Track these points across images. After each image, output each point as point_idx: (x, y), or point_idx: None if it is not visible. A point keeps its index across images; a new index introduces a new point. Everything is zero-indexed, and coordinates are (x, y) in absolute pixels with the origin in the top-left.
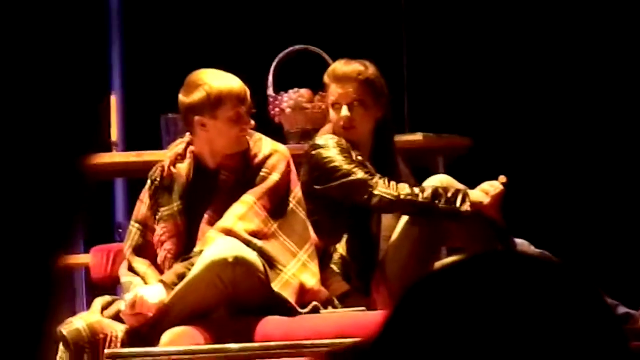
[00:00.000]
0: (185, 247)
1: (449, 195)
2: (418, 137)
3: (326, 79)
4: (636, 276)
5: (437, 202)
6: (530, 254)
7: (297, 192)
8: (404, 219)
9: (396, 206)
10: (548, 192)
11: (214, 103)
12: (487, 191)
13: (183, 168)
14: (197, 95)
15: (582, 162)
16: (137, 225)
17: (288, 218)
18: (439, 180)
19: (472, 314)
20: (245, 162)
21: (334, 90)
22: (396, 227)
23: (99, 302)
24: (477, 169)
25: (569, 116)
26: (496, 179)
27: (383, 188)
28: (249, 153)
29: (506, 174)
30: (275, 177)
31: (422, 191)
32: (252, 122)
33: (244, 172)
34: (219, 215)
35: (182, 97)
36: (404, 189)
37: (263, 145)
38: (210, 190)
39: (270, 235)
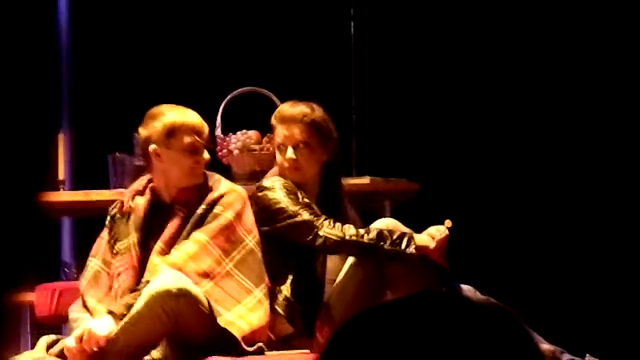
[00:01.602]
0: (139, 280)
1: (394, 237)
2: (365, 180)
3: (273, 120)
4: (583, 324)
5: (382, 243)
6: (465, 297)
7: (256, 232)
8: (349, 261)
9: (341, 247)
10: (495, 237)
11: (168, 132)
12: (432, 235)
13: (140, 203)
14: (154, 126)
15: (530, 209)
16: (94, 260)
17: (246, 257)
18: (384, 223)
19: (399, 354)
20: (199, 197)
21: (280, 132)
22: (341, 270)
23: (44, 340)
24: (423, 213)
25: (514, 163)
26: (443, 223)
27: (328, 229)
28: (204, 189)
29: (453, 219)
30: (229, 215)
31: (367, 232)
32: (208, 156)
33: (197, 207)
34: (168, 247)
35: (140, 130)
36: (349, 230)
37: (221, 185)
38: (164, 223)
39: (225, 274)
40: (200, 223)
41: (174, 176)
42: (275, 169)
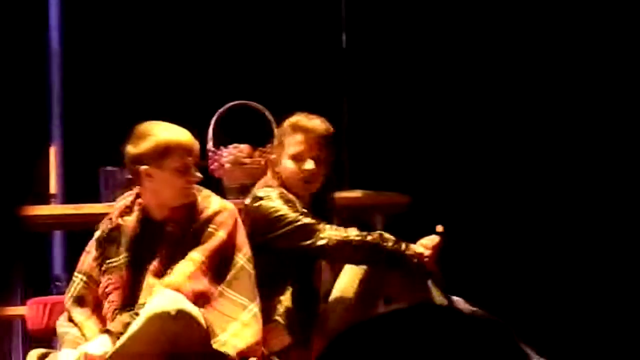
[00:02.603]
0: (129, 299)
1: (394, 239)
2: (357, 193)
3: (287, 129)
4: (574, 336)
5: (384, 243)
6: (458, 310)
7: (247, 250)
8: (345, 272)
9: (344, 247)
10: (486, 250)
11: (161, 153)
12: (425, 245)
13: (130, 220)
14: (144, 145)
15: (521, 221)
16: (80, 275)
17: (237, 275)
18: (371, 233)
19: None
20: (191, 215)
21: (298, 142)
22: (330, 282)
23: (34, 354)
24: (415, 227)
25: (505, 177)
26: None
27: (330, 231)
28: (196, 207)
29: (444, 232)
30: (222, 235)
31: (369, 234)
32: (199, 175)
33: (190, 225)
34: (163, 266)
35: (129, 148)
36: (352, 231)
37: (212, 202)
38: (156, 242)
39: (218, 295)
40: (193, 241)
41: (165, 196)
42: (263, 180)
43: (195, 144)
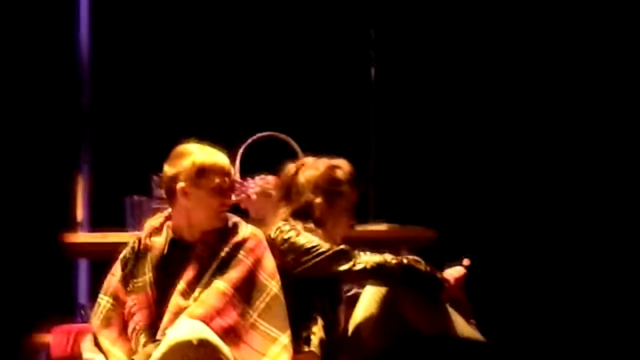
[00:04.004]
0: (154, 319)
1: (425, 263)
2: (382, 227)
3: (344, 185)
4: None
5: (419, 266)
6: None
7: (278, 278)
8: (363, 301)
9: (382, 270)
10: (511, 284)
11: (198, 172)
12: (451, 274)
13: (158, 241)
14: (182, 164)
15: (546, 257)
16: (106, 298)
17: (270, 304)
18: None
19: None
20: (221, 239)
21: (352, 195)
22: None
23: None
24: (439, 260)
25: (530, 210)
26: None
27: (366, 256)
28: (226, 232)
29: (470, 265)
30: (251, 262)
31: (405, 257)
32: (233, 198)
33: (219, 247)
34: (190, 288)
35: (166, 167)
36: (388, 255)
37: (242, 228)
38: (183, 263)
39: (249, 327)
40: (223, 267)
41: (198, 216)
42: (283, 214)
43: (232, 168)
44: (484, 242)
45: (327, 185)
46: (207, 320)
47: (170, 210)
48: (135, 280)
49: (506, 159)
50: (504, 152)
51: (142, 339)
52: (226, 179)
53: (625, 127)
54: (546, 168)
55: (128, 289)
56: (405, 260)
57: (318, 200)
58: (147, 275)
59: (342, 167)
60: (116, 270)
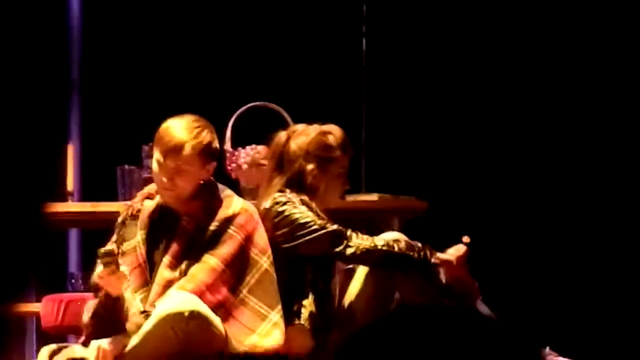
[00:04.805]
0: (147, 279)
1: (420, 248)
2: (374, 197)
3: (338, 149)
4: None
5: (412, 253)
6: (479, 313)
7: (270, 253)
8: (358, 276)
9: (372, 255)
10: (504, 255)
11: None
12: (452, 254)
13: (149, 205)
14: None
15: (539, 227)
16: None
17: (261, 279)
18: (393, 236)
19: None
20: (210, 213)
21: (344, 160)
22: (345, 284)
23: (45, 350)
24: (431, 231)
25: (521, 183)
26: (451, 241)
27: (358, 239)
28: (215, 204)
29: (460, 237)
30: (242, 237)
31: (396, 242)
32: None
33: (208, 223)
34: (177, 260)
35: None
36: (379, 240)
37: (233, 202)
38: (171, 233)
39: (239, 303)
40: (213, 241)
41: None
42: (277, 183)
43: (188, 141)
44: (476, 214)
45: (319, 151)
46: (196, 295)
47: None
48: (127, 243)
49: (498, 129)
50: (496, 123)
51: (137, 297)
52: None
53: (616, 120)
54: (538, 140)
55: (120, 251)
56: (395, 247)
57: (310, 166)
58: (137, 236)
59: (334, 132)
60: (113, 236)
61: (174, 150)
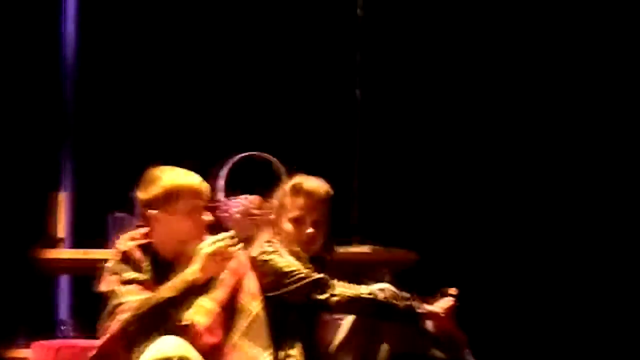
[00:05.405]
0: None
1: (406, 297)
2: (365, 249)
3: (290, 192)
4: None
5: (396, 302)
6: None
7: (261, 297)
8: (344, 326)
9: (356, 304)
10: (489, 311)
11: (169, 197)
12: (440, 306)
13: (138, 252)
14: (153, 191)
15: (529, 279)
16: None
17: (252, 325)
18: (378, 286)
19: None
20: None
21: (300, 205)
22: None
23: None
24: (421, 283)
25: (510, 234)
26: (440, 292)
27: (342, 288)
28: None
29: (457, 294)
30: (234, 283)
31: (381, 291)
32: (209, 217)
33: None
34: None
35: (139, 193)
36: (364, 289)
37: None
38: (163, 281)
39: (231, 348)
40: (203, 285)
41: (174, 239)
42: (267, 235)
43: (204, 187)
44: (465, 266)
45: (279, 199)
46: (197, 335)
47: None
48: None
49: (488, 184)
50: (486, 177)
51: None
52: (198, 200)
53: (604, 126)
54: (526, 195)
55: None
56: (381, 295)
57: (272, 216)
58: (138, 273)
59: (299, 181)
60: (120, 270)
61: None
